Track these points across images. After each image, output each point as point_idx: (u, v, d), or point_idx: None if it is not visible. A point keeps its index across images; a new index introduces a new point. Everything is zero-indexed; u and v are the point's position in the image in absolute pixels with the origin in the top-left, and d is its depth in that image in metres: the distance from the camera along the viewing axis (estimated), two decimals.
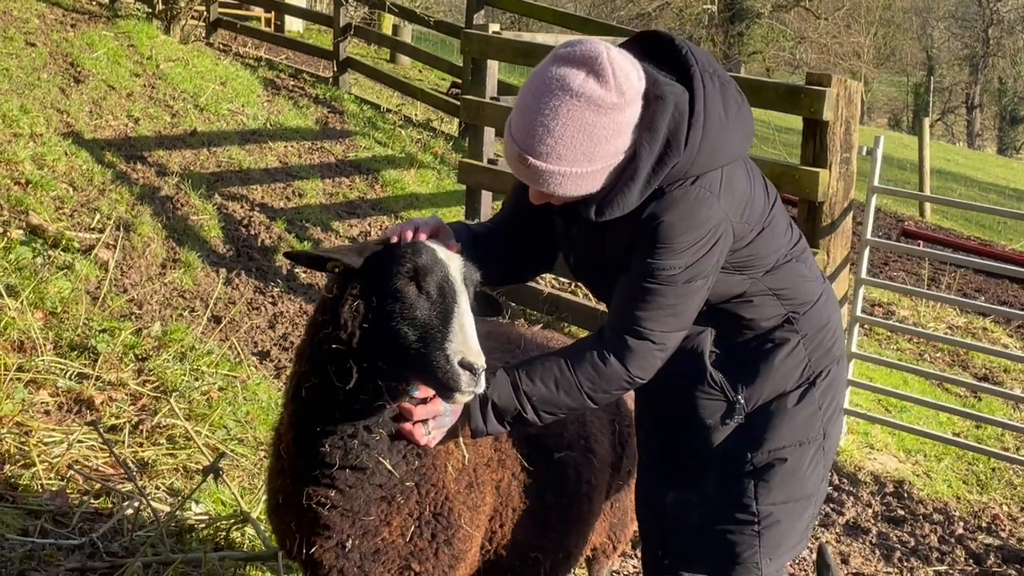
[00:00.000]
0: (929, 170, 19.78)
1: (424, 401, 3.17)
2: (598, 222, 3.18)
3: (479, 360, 2.89)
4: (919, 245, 15.62)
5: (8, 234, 7.64)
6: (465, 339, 2.92)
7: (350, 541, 3.26)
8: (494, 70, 9.89)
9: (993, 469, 8.01)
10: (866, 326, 10.29)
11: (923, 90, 56.88)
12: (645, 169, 3.04)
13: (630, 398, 4.05)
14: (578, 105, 2.94)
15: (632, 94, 2.99)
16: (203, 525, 5.17)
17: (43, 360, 6.30)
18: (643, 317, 3.21)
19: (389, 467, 3.16)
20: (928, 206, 19.27)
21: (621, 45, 3.28)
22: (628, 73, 2.99)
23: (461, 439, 3.37)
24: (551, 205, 3.25)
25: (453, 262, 3.08)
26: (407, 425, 3.17)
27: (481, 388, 2.94)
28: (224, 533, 5.14)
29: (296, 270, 9.31)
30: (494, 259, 3.51)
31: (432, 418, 3.18)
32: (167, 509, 5.11)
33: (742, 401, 3.54)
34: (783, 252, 3.48)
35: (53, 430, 5.67)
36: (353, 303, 3.04)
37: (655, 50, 3.23)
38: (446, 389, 2.93)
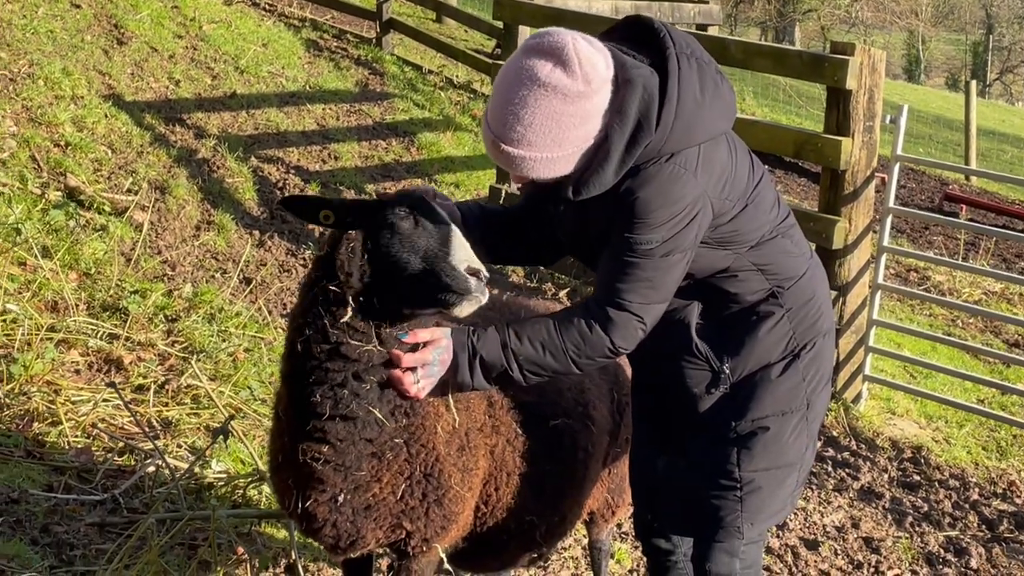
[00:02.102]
0: (976, 132, 19.62)
1: (414, 350, 3.31)
2: (581, 201, 3.32)
3: (475, 263, 3.12)
4: (961, 209, 15.55)
5: (46, 196, 7.83)
6: (467, 251, 3.15)
7: (342, 495, 3.41)
8: (525, 36, 9.95)
9: (1015, 436, 8.06)
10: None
11: (982, 49, 56.07)
12: (618, 150, 3.16)
13: (628, 366, 4.15)
14: (545, 94, 3.08)
15: (598, 82, 3.11)
16: (222, 483, 5.36)
17: (75, 320, 6.49)
18: (623, 289, 3.33)
19: (379, 415, 3.29)
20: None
21: (607, 31, 3.41)
22: (594, 62, 3.11)
23: (451, 402, 3.49)
24: (543, 189, 3.39)
25: (438, 200, 3.33)
26: (396, 372, 3.29)
27: (486, 296, 3.15)
28: (242, 491, 5.31)
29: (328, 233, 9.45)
30: (513, 239, 3.77)
31: (421, 367, 3.31)
32: (186, 467, 5.30)
33: (727, 371, 3.65)
34: (768, 228, 3.57)
35: (81, 389, 5.86)
36: (349, 245, 3.24)
37: (637, 34, 3.35)
38: (457, 295, 3.14)
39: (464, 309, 3.18)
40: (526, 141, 3.13)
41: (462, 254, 3.14)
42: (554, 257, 3.91)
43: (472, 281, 3.12)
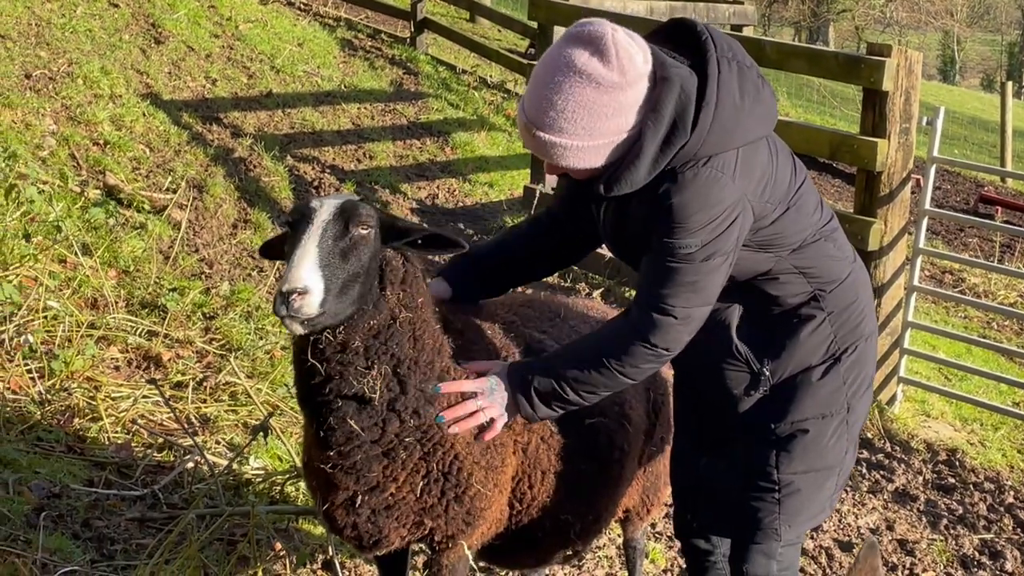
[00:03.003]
0: (1011, 134, 19.51)
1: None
2: (623, 204, 3.36)
3: (286, 285, 3.02)
4: (997, 211, 15.46)
5: (86, 194, 7.91)
6: (288, 270, 3.07)
7: (359, 497, 3.44)
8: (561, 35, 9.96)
9: None
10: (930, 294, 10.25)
11: (1017, 49, 55.75)
12: (651, 149, 3.17)
13: (667, 367, 4.16)
14: (580, 82, 3.09)
15: (634, 75, 3.12)
16: (260, 479, 5.40)
17: (115, 317, 6.56)
18: (665, 294, 3.34)
19: (356, 428, 3.29)
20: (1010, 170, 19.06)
21: (650, 33, 3.42)
22: (632, 55, 3.12)
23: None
24: (579, 184, 3.42)
25: (327, 204, 3.22)
26: (455, 410, 3.41)
27: (307, 312, 3.02)
28: (280, 487, 5.36)
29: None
30: (528, 259, 3.90)
31: (480, 393, 3.43)
32: (224, 463, 5.35)
33: (767, 373, 3.66)
34: (811, 231, 3.57)
35: (121, 385, 5.93)
36: None
37: (679, 37, 3.37)
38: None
39: (290, 328, 3.12)
40: (557, 127, 3.15)
41: (286, 275, 3.07)
42: (583, 255, 3.99)
43: (276, 302, 3.05)
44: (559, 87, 3.11)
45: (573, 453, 3.89)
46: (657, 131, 3.16)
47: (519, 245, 3.91)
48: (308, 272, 3.04)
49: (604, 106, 3.12)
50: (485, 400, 3.44)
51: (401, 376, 3.31)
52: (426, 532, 3.59)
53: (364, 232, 3.19)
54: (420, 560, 4.51)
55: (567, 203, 3.79)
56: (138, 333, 6.52)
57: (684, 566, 5.07)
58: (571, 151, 3.19)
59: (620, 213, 3.46)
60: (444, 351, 3.45)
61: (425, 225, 3.40)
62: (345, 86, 13.01)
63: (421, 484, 3.48)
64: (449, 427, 3.42)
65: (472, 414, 3.44)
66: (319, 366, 3.20)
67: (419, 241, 3.33)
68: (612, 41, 3.10)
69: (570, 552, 4.26)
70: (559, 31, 9.92)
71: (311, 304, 3.02)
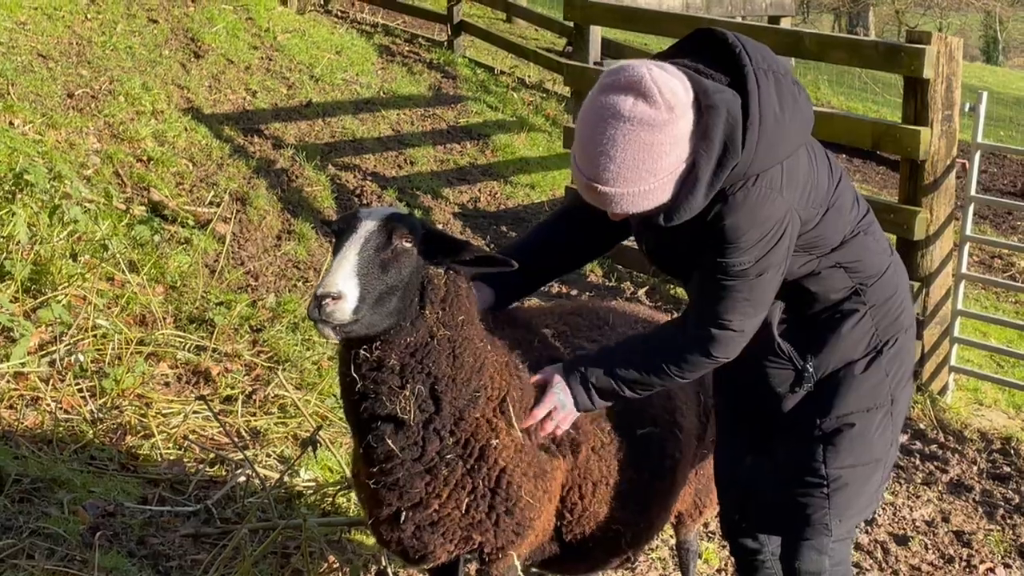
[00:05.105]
0: None
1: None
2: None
3: (320, 289, 3.05)
4: None
5: (131, 211, 7.97)
6: (325, 275, 3.11)
7: (403, 513, 3.46)
8: (597, 35, 9.97)
9: None
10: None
11: None
12: (706, 176, 3.16)
13: None
14: (632, 129, 3.07)
15: (681, 108, 3.10)
16: (311, 491, 5.43)
17: (163, 333, 6.61)
18: (721, 310, 3.40)
19: (394, 447, 3.32)
20: None
21: (676, 44, 3.41)
22: (674, 88, 3.09)
23: (513, 419, 3.52)
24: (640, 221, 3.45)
25: (373, 214, 3.25)
26: (543, 432, 3.58)
27: (339, 318, 3.06)
28: (331, 499, 5.39)
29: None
30: (550, 255, 3.90)
31: (554, 410, 3.55)
32: (275, 476, 5.38)
33: (811, 369, 3.68)
34: (849, 229, 3.59)
35: (171, 402, 5.98)
36: None
37: (710, 48, 3.35)
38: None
39: (322, 332, 3.14)
40: (622, 178, 3.12)
41: (322, 279, 3.10)
42: (614, 241, 3.98)
43: (310, 306, 3.08)
44: (613, 140, 3.08)
45: (624, 464, 3.89)
46: (710, 159, 3.15)
47: (559, 230, 3.92)
48: (344, 278, 3.06)
49: (661, 144, 3.09)
50: (560, 415, 3.56)
51: (438, 394, 3.31)
52: (475, 546, 3.60)
53: (407, 245, 3.20)
54: (473, 567, 4.51)
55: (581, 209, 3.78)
56: (187, 348, 6.57)
57: None
58: (638, 196, 3.17)
59: (667, 234, 3.45)
60: (486, 369, 3.43)
61: (473, 244, 3.37)
62: (384, 92, 13.05)
63: (467, 500, 3.49)
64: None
65: (554, 429, 3.60)
66: (358, 380, 3.23)
67: (468, 258, 3.34)
68: (652, 80, 3.07)
69: (622, 559, 4.27)
70: (595, 31, 9.92)
71: (343, 310, 3.05)
